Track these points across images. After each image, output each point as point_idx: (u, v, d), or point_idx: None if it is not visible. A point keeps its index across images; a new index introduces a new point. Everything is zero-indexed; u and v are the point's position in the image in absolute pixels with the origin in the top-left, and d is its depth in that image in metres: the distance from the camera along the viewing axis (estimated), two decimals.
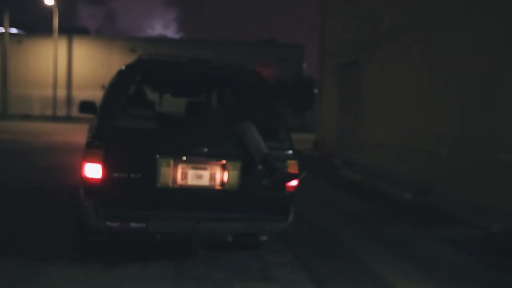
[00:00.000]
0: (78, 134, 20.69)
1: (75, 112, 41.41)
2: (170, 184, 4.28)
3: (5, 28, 35.85)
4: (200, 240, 4.74)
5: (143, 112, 4.93)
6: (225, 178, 4.40)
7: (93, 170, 4.11)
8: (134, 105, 4.91)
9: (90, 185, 4.13)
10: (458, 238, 6.25)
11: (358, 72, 13.82)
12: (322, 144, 16.59)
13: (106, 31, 60.23)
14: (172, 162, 4.26)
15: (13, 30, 41.77)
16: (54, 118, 38.05)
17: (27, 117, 39.45)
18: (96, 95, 43.19)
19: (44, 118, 39.04)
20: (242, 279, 4.39)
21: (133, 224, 4.08)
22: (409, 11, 10.84)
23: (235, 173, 4.41)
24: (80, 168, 4.23)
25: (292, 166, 4.53)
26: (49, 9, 39.01)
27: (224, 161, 4.39)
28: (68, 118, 39.82)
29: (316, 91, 27.52)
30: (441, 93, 9.39)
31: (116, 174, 4.16)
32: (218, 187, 4.41)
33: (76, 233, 4.76)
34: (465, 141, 8.50)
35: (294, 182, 4.51)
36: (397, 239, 6.16)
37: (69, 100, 41.64)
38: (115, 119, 4.35)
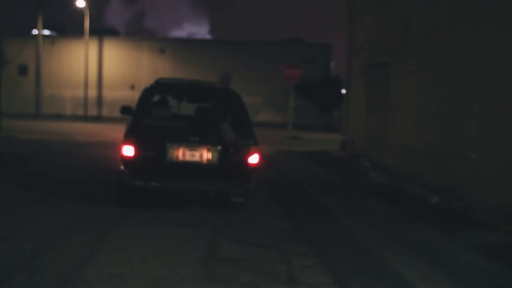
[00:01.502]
0: (110, 133, 21.15)
1: (105, 112, 42.18)
2: (175, 159, 6.68)
3: (38, 30, 36.70)
4: (194, 195, 7.39)
5: (161, 114, 7.37)
6: (209, 156, 6.74)
7: (128, 150, 6.57)
8: (155, 110, 7.46)
9: (126, 159, 6.63)
10: (485, 243, 6.21)
11: (386, 74, 13.78)
12: (349, 145, 16.57)
13: (136, 32, 61.13)
14: (176, 146, 6.67)
15: (46, 32, 42.73)
16: (85, 118, 38.76)
17: (59, 116, 40.33)
18: (125, 95, 43.81)
19: (75, 117, 39.84)
20: (268, 281, 4.50)
21: (152, 183, 6.64)
22: (438, 12, 10.77)
23: (216, 153, 6.74)
24: (120, 149, 6.71)
25: (253, 150, 6.82)
26: (80, 11, 39.77)
27: (209, 146, 6.72)
28: (98, 118, 40.54)
29: (343, 91, 27.45)
30: (469, 95, 9.32)
31: (142, 153, 6.60)
32: (205, 161, 6.75)
33: (118, 192, 7.15)
34: (493, 144, 8.43)
35: (255, 161, 6.85)
36: (423, 243, 6.17)
37: (99, 100, 42.38)
38: (142, 119, 6.97)
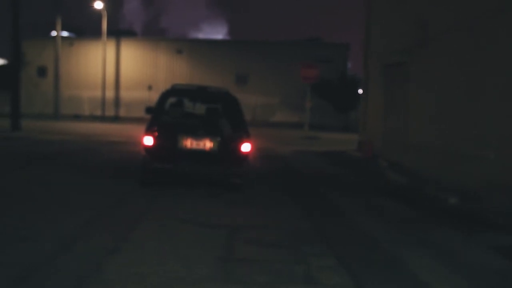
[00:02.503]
0: (128, 133, 21.33)
1: (123, 112, 42.52)
2: (184, 147, 8.43)
3: (57, 32, 37.12)
4: (199, 176, 9.27)
5: (174, 113, 9.24)
6: (211, 145, 8.47)
7: (148, 140, 8.36)
8: (170, 109, 9.44)
9: (146, 147, 8.41)
10: (503, 244, 6.15)
11: (403, 73, 13.68)
12: (366, 145, 16.48)
13: (153, 33, 61.46)
14: (185, 137, 8.42)
15: (65, 34, 43.22)
16: (103, 118, 39.11)
17: (77, 117, 40.76)
18: (143, 95, 44.13)
19: (93, 118, 40.23)
20: (286, 282, 4.50)
21: (166, 166, 8.39)
22: (456, 10, 10.67)
23: (216, 143, 8.48)
24: (141, 140, 8.48)
25: (245, 140, 8.60)
26: (98, 13, 40.13)
27: (211, 137, 8.47)
28: (115, 118, 40.88)
29: (360, 91, 27.30)
30: (489, 94, 9.21)
31: (159, 142, 8.38)
32: (207, 149, 8.48)
33: (141, 178, 8.84)
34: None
35: (247, 149, 8.59)
36: (441, 245, 6.12)
37: (117, 100, 42.74)
38: (159, 116, 8.94)
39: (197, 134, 8.45)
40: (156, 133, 8.37)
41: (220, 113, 9.76)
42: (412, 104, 13.06)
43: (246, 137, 8.65)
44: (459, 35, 10.49)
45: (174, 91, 9.74)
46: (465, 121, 10.06)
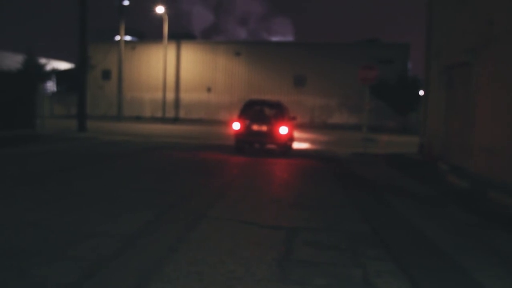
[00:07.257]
0: (190, 134, 21.72)
1: (182, 113, 43.40)
2: (253, 129, 16.03)
3: (120, 36, 38.39)
4: (260, 144, 16.52)
5: (249, 112, 16.80)
6: (266, 128, 15.93)
7: (236, 126, 16.27)
8: (248, 110, 16.98)
9: (236, 130, 16.31)
10: None
11: (467, 74, 13.24)
12: (427, 148, 16.05)
13: (212, 34, 62.18)
14: (253, 124, 16.05)
15: (127, 38, 44.62)
16: (163, 120, 40.05)
17: (139, 118, 41.96)
18: (202, 97, 45.01)
19: (154, 119, 41.29)
20: (343, 285, 4.46)
21: (245, 139, 16.54)
22: None
23: (269, 128, 15.90)
24: (231, 125, 17.84)
25: (283, 126, 15.94)
26: (159, 17, 41.16)
27: (266, 124, 15.99)
28: (176, 120, 41.77)
29: (421, 92, 26.56)
30: None
31: (242, 126, 16.13)
32: (264, 131, 15.93)
33: (235, 146, 16.78)
34: None
35: (285, 132, 15.91)
36: (507, 253, 5.89)
37: (177, 102, 43.67)
38: (242, 113, 16.67)
39: (260, 123, 15.84)
40: (240, 121, 15.93)
41: (273, 113, 16.99)
42: (476, 106, 12.61)
43: (284, 125, 15.75)
44: None
45: (250, 102, 17.76)
46: None
